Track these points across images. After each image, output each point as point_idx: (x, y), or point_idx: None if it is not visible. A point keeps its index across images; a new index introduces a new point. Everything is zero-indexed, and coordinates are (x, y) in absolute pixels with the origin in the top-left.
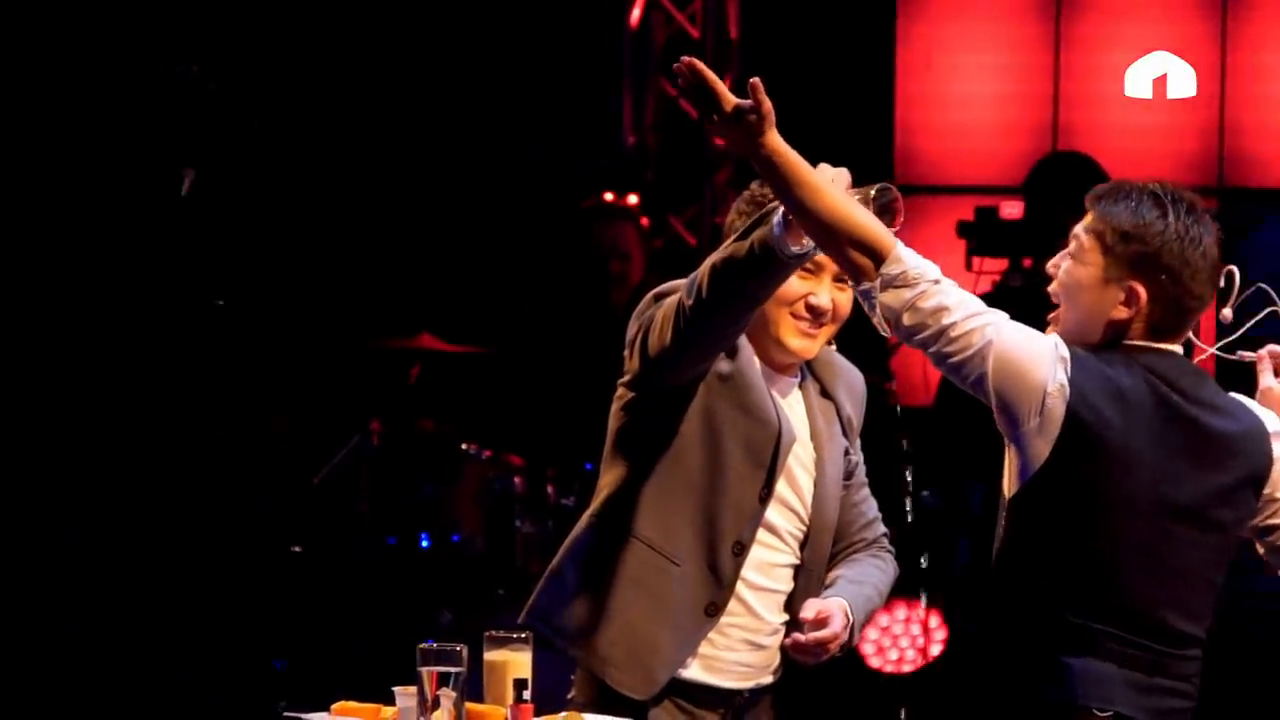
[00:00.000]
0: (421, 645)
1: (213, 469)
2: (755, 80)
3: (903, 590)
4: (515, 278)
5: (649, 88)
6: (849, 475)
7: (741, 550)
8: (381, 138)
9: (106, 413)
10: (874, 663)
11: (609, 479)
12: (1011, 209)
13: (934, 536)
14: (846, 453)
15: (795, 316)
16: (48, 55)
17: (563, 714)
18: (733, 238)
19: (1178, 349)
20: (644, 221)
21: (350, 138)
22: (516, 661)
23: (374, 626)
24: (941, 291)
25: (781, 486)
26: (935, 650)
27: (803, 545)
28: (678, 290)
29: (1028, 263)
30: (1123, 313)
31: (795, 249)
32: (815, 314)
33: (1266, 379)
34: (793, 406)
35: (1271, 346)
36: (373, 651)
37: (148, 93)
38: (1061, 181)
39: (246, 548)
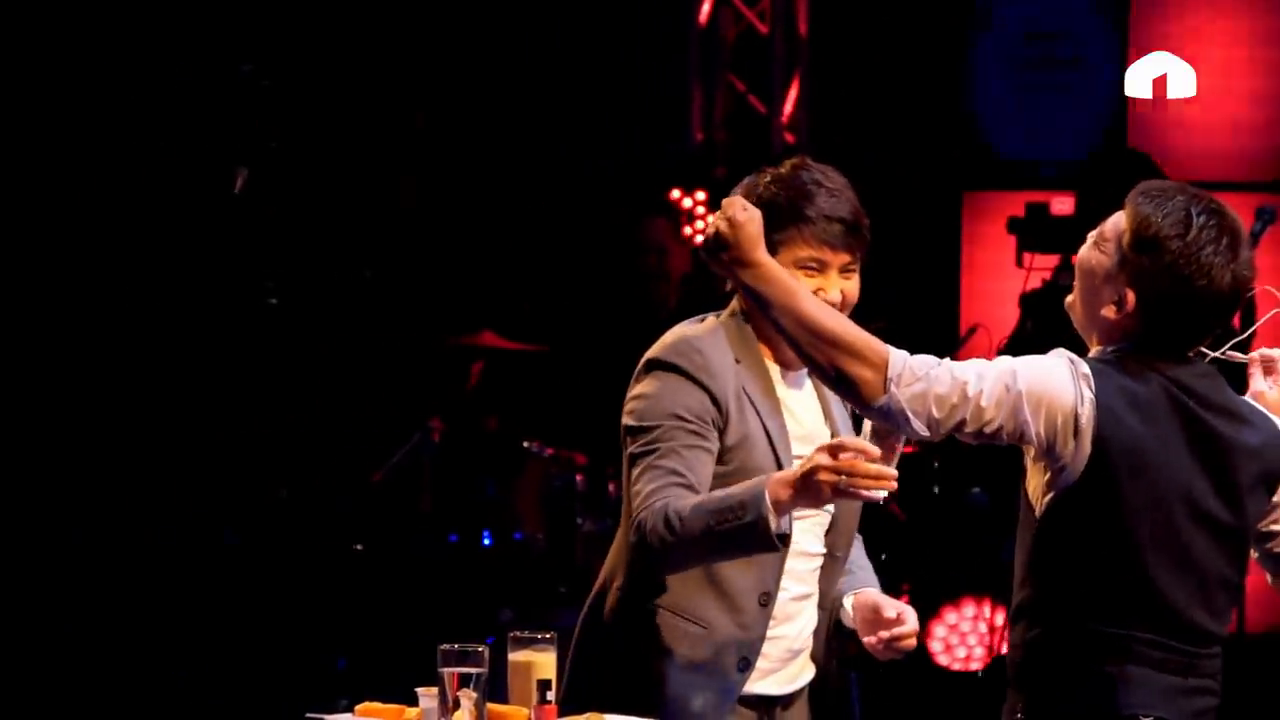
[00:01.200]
0: (443, 646)
1: (276, 467)
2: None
3: (970, 588)
4: (553, 276)
5: (718, 85)
6: None
7: (769, 600)
8: (447, 135)
9: (166, 412)
10: (942, 660)
11: (628, 547)
12: (1062, 204)
13: (984, 534)
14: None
15: None
16: (104, 55)
17: (586, 714)
18: (705, 526)
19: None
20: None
21: (413, 135)
22: (541, 662)
23: (436, 624)
24: (949, 369)
25: None
26: (1004, 648)
27: (827, 532)
28: (663, 367)
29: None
30: (1111, 312)
31: (785, 531)
32: None
33: (1257, 383)
34: (805, 398)
35: (1263, 350)
36: (425, 650)
37: (201, 91)
38: (1116, 178)
39: (311, 546)
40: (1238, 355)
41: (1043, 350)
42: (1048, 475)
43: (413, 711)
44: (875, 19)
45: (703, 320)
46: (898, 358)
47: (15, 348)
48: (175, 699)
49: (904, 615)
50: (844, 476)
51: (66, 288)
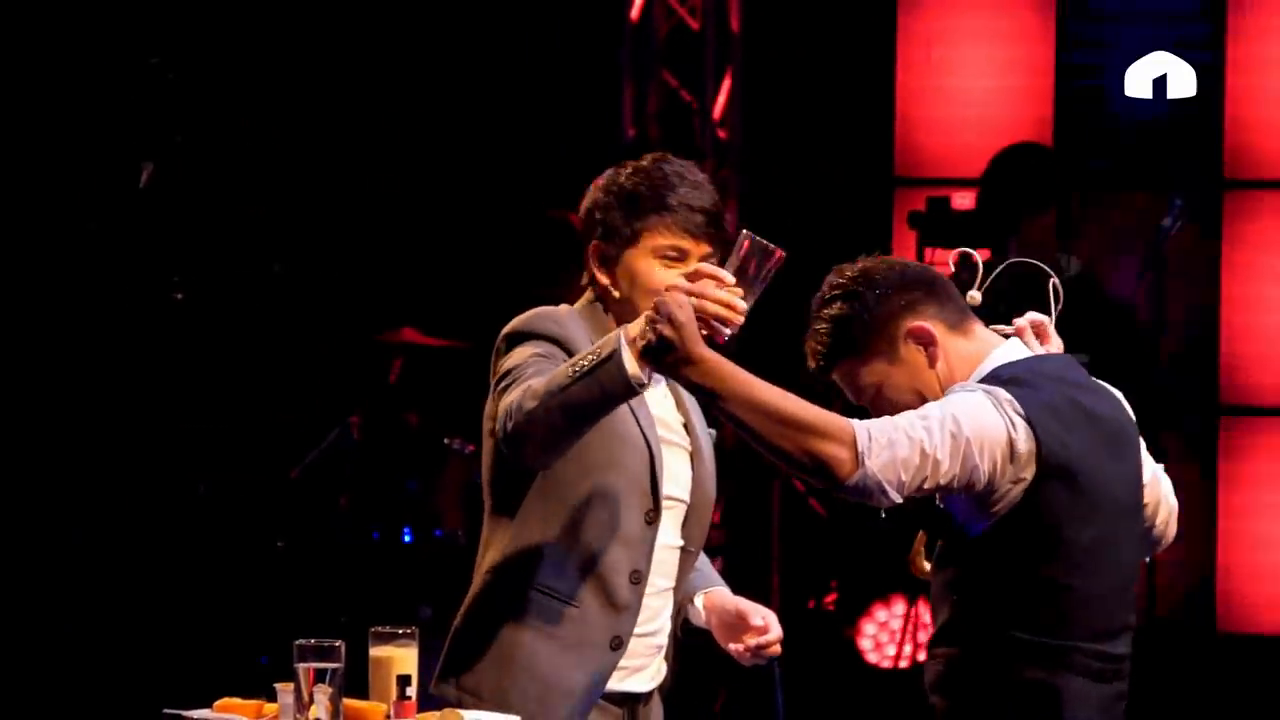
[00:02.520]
0: (298, 641)
1: (195, 462)
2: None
3: (901, 585)
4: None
5: (650, 80)
6: None
7: (640, 579)
8: (367, 132)
9: (77, 408)
10: (872, 658)
11: (495, 532)
12: (963, 199)
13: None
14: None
15: None
16: (6, 46)
17: (439, 711)
18: (565, 379)
19: (1016, 340)
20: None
21: (333, 131)
22: (401, 658)
23: (356, 621)
24: (903, 430)
25: (676, 468)
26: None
27: (683, 525)
28: (523, 337)
29: (982, 254)
30: (927, 356)
31: (646, 378)
32: None
33: (1033, 346)
34: (658, 395)
35: (1030, 315)
36: (352, 646)
37: (108, 84)
38: (1017, 172)
39: (231, 541)
40: (1004, 328)
41: None
42: (983, 505)
43: (271, 707)
44: (807, 15)
45: (557, 306)
46: (860, 429)
47: None
48: (89, 695)
49: (770, 623)
50: (694, 300)
51: None
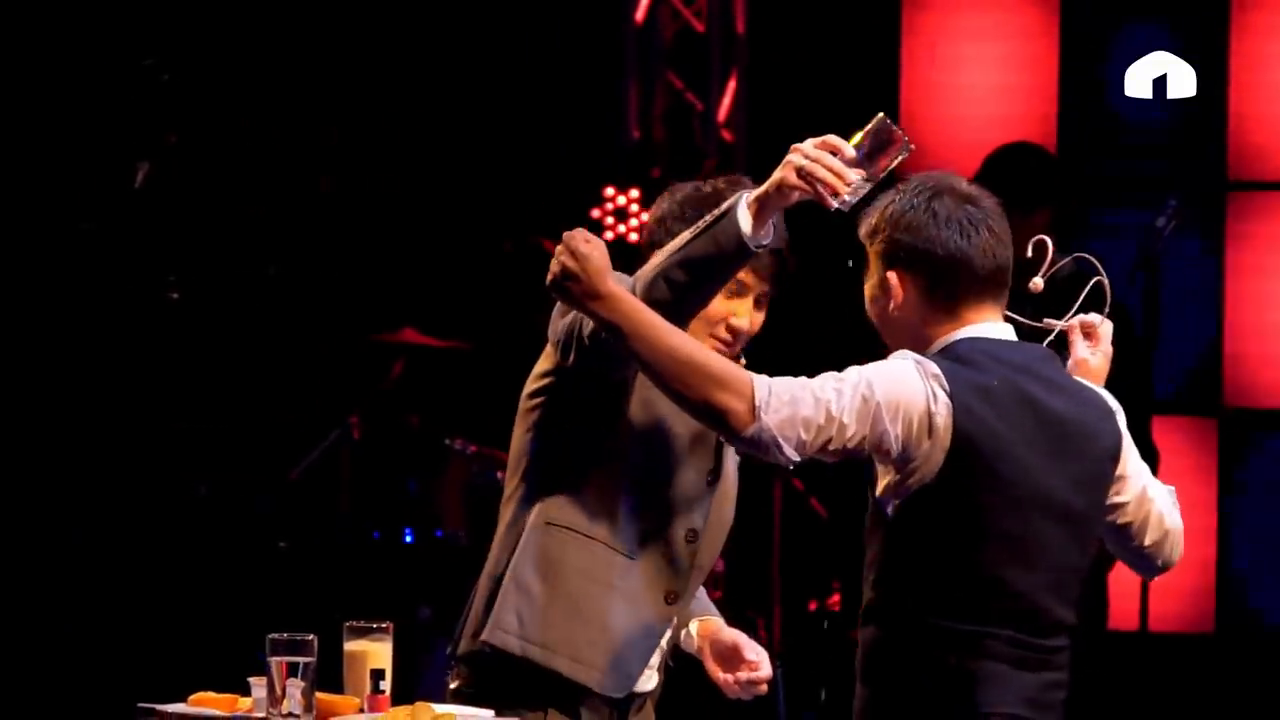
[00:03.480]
0: (271, 635)
1: (193, 465)
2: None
3: None
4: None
5: (655, 82)
6: None
7: (695, 538)
8: (366, 131)
9: (71, 411)
10: None
11: (547, 484)
12: None
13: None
14: None
15: (714, 336)
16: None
17: (415, 704)
18: (685, 238)
19: (1002, 323)
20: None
21: (331, 131)
22: (375, 652)
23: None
24: (811, 390)
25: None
26: None
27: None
28: None
29: None
30: (889, 303)
31: (764, 239)
32: (735, 335)
33: (1079, 349)
34: None
35: (1083, 316)
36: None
37: (103, 84)
38: (1007, 172)
39: (232, 543)
40: (1055, 322)
41: None
42: (899, 477)
43: (245, 701)
44: (812, 16)
45: None
46: (761, 384)
47: None
48: (88, 694)
49: (761, 660)
50: (809, 163)
51: None
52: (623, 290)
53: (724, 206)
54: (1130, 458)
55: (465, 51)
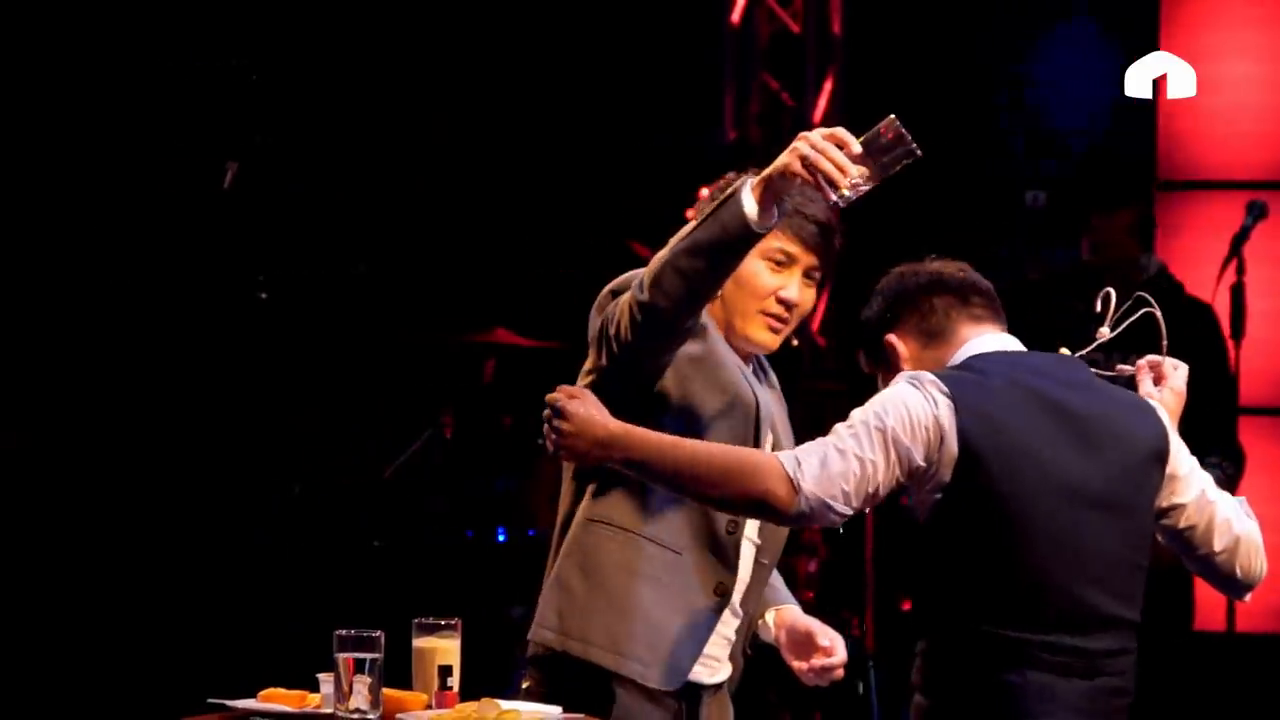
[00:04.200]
0: (339, 631)
1: (287, 465)
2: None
3: None
4: (569, 273)
5: (751, 83)
6: None
7: (736, 529)
8: (458, 132)
9: (162, 411)
10: None
11: (589, 479)
12: (1037, 196)
13: None
14: None
15: (765, 312)
16: (93, 49)
17: (482, 700)
18: (691, 226)
19: (1008, 335)
20: None
21: (422, 130)
22: (444, 649)
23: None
24: (832, 446)
25: None
26: None
27: (759, 532)
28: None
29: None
30: (899, 365)
31: (769, 222)
32: (787, 308)
33: (1146, 387)
34: (772, 399)
35: (1150, 356)
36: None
37: (191, 85)
38: (1091, 172)
39: (326, 541)
40: (1126, 368)
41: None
42: (925, 484)
43: (314, 697)
44: (908, 17)
45: None
46: (788, 459)
47: (9, 348)
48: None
49: (835, 645)
50: (814, 152)
51: (58, 286)
52: (625, 426)
53: (729, 190)
54: (1183, 460)
55: (562, 51)
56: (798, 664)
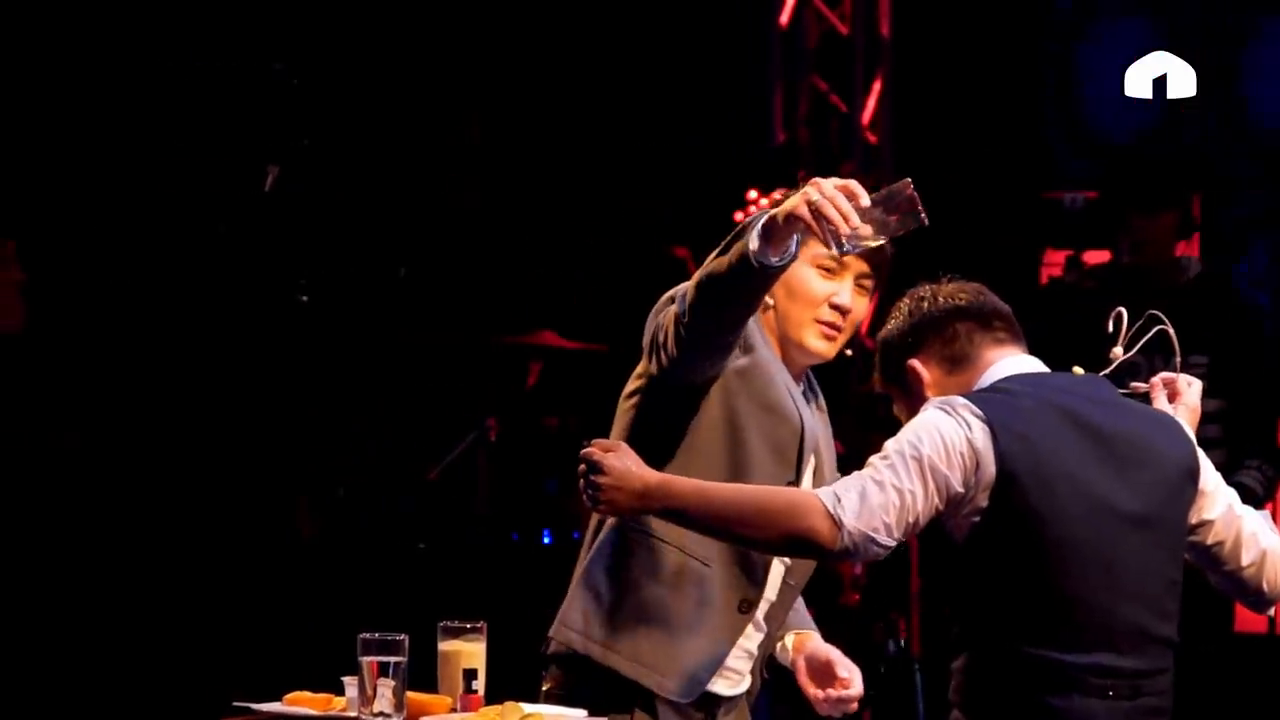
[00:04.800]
0: (363, 635)
1: (332, 467)
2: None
3: None
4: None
5: (800, 85)
6: None
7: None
8: (511, 133)
9: (202, 413)
10: None
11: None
12: (1075, 199)
13: None
14: None
15: (820, 320)
16: (136, 52)
17: (505, 704)
18: (715, 252)
19: (1032, 357)
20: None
21: (477, 130)
22: (469, 652)
23: (493, 623)
24: (869, 479)
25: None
26: None
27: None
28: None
29: (1090, 256)
30: (923, 392)
31: (775, 260)
32: (841, 313)
33: (1160, 404)
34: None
35: (1164, 374)
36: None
37: (233, 89)
38: (1129, 172)
39: (371, 544)
40: (1140, 385)
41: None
42: (962, 509)
43: (340, 700)
44: (957, 20)
45: None
46: (827, 495)
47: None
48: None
49: (853, 678)
50: (822, 199)
51: (102, 288)
52: (661, 476)
53: (744, 224)
54: (1209, 475)
55: (609, 54)
56: (814, 692)
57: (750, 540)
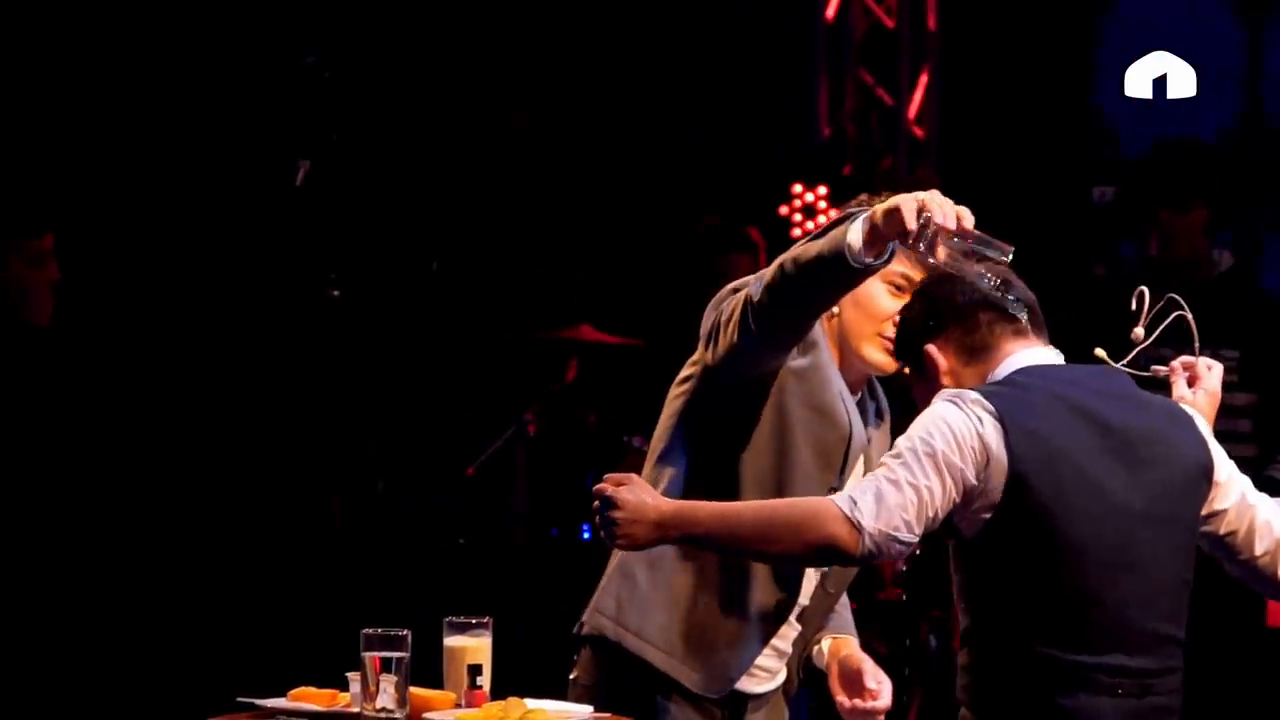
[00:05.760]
0: (365, 630)
1: (371, 462)
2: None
3: None
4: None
5: (846, 79)
6: None
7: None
8: (546, 126)
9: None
10: None
11: (673, 472)
12: (1104, 193)
13: None
14: None
15: (882, 335)
16: (166, 45)
17: (508, 699)
18: (806, 238)
19: (1050, 349)
20: (762, 257)
21: (511, 125)
22: (474, 648)
23: (531, 618)
24: (884, 479)
25: None
26: None
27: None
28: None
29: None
30: (938, 377)
31: (869, 259)
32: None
33: (1180, 389)
34: (874, 435)
35: (1184, 358)
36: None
37: (263, 83)
38: (1158, 167)
39: (411, 539)
40: (1160, 369)
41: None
42: (973, 503)
43: (345, 696)
44: (1004, 13)
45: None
46: (844, 500)
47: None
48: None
49: (882, 690)
50: (934, 200)
51: (133, 283)
52: (675, 504)
53: (843, 215)
54: (1222, 466)
55: (654, 46)
56: (842, 699)
57: (775, 556)
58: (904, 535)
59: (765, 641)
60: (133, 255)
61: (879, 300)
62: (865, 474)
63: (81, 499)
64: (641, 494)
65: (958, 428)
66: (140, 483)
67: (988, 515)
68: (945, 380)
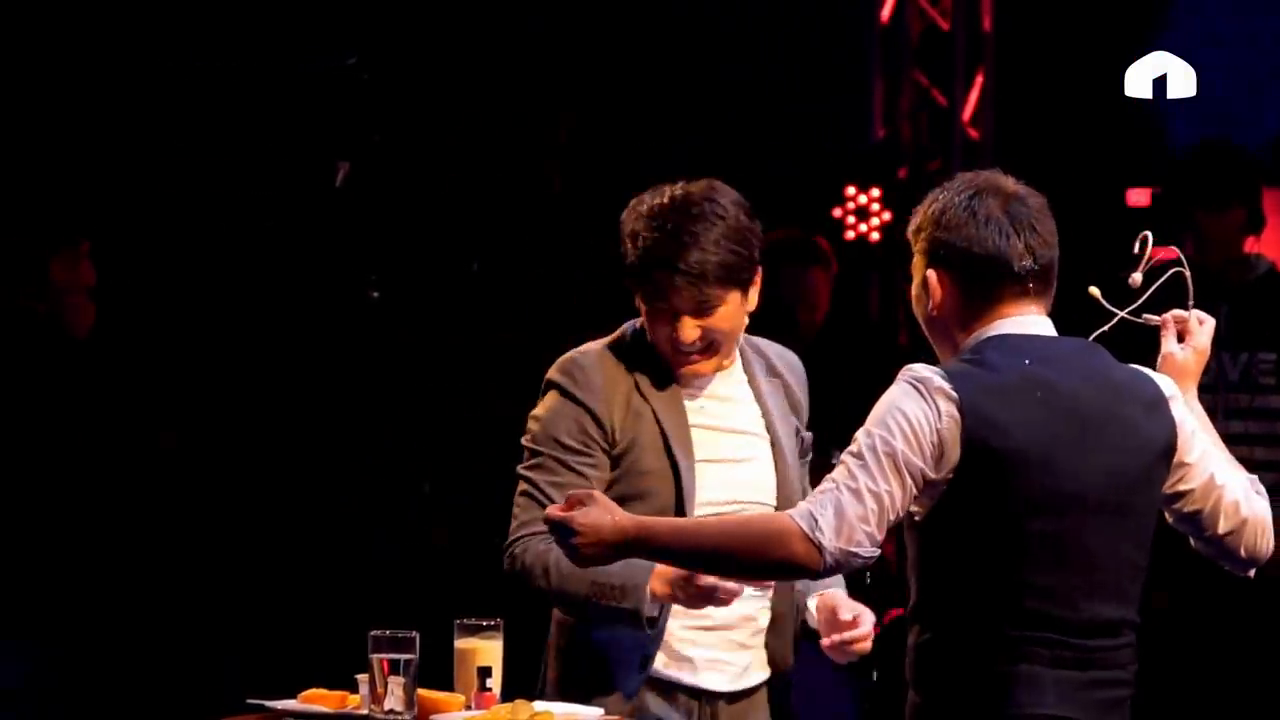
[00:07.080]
0: (373, 632)
1: (417, 463)
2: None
3: None
4: None
5: (901, 81)
6: (803, 455)
7: (662, 608)
8: (588, 128)
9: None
10: None
11: None
12: (1140, 196)
13: None
14: (797, 431)
15: (676, 353)
16: (205, 46)
17: (515, 701)
18: (583, 594)
19: (1040, 317)
20: (834, 266)
21: (554, 129)
22: (484, 649)
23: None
24: (841, 486)
25: (746, 476)
26: None
27: None
28: (553, 388)
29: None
30: (929, 303)
31: (654, 616)
32: (687, 349)
33: (1169, 344)
34: (733, 391)
35: (1176, 312)
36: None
37: (303, 84)
38: (1194, 169)
39: (459, 538)
40: (1153, 318)
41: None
42: (927, 491)
43: (355, 698)
44: (1059, 15)
45: (594, 349)
46: (802, 516)
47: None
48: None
49: (860, 618)
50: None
51: (173, 286)
52: (636, 520)
53: (626, 592)
54: (1194, 445)
55: (709, 48)
56: (824, 643)
57: (735, 574)
58: (865, 550)
59: (632, 694)
60: (173, 259)
61: (656, 330)
62: (764, 425)
63: (102, 500)
64: (599, 514)
65: (916, 422)
66: (164, 485)
67: (938, 494)
68: (934, 311)
